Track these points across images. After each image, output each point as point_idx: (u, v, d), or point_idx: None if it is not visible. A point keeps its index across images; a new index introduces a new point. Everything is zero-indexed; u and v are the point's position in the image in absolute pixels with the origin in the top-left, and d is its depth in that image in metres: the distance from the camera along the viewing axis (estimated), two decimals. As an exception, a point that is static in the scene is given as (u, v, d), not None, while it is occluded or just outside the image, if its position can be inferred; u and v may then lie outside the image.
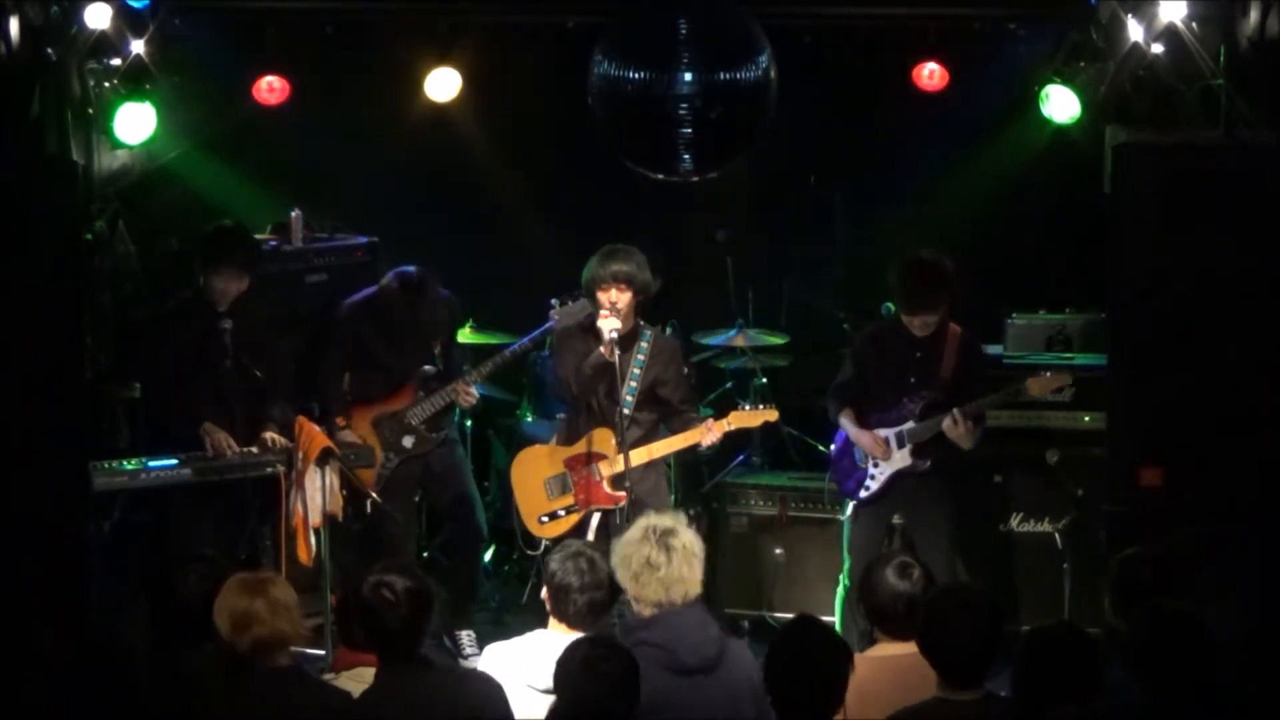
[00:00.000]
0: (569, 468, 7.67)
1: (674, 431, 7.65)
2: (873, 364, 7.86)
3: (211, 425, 7.68)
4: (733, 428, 7.62)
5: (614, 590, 5.65)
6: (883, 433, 7.75)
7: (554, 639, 5.59)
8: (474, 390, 8.10)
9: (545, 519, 7.68)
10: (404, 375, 8.09)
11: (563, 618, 5.64)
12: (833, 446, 8.03)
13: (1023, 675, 4.83)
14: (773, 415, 7.71)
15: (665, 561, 5.51)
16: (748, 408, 7.71)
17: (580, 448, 7.65)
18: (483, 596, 8.40)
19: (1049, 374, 7.71)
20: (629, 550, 5.59)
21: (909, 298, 7.62)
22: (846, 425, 7.84)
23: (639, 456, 7.45)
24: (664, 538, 5.55)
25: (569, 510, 7.67)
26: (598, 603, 5.63)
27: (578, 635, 5.53)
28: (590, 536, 7.58)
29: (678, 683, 5.36)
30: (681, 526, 5.63)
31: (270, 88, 8.88)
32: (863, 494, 7.81)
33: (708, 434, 7.53)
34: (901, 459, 7.71)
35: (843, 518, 8.03)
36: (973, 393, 7.66)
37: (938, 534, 7.75)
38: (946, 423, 7.55)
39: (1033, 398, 7.76)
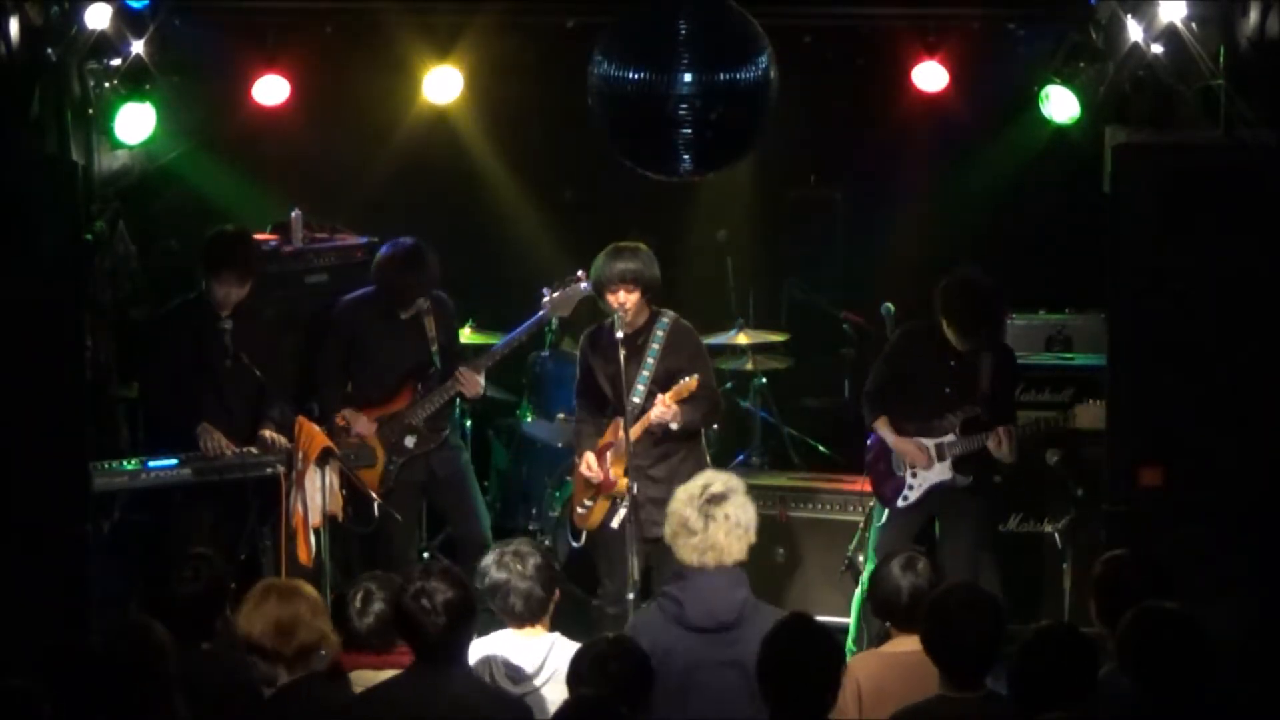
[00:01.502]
0: (598, 457, 7.71)
1: None
2: (908, 369, 7.83)
3: (208, 425, 7.67)
4: (670, 402, 7.50)
5: (550, 581, 5.62)
6: (924, 442, 7.73)
7: (512, 639, 5.61)
8: (479, 379, 8.04)
9: (581, 509, 7.74)
10: (402, 375, 8.07)
11: (507, 616, 5.63)
12: (868, 452, 7.95)
13: (1019, 675, 4.83)
14: (692, 384, 7.60)
15: (702, 528, 5.52)
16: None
17: (607, 437, 7.70)
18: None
19: (1093, 402, 7.67)
20: (674, 507, 5.63)
21: (964, 328, 7.58)
22: (884, 433, 7.79)
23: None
24: (709, 504, 5.55)
25: (594, 500, 7.72)
26: (535, 597, 5.59)
27: (533, 632, 5.55)
28: (614, 525, 7.58)
29: (685, 638, 5.39)
30: (735, 494, 5.60)
31: (270, 87, 8.89)
32: (900, 503, 7.78)
33: (659, 409, 7.47)
34: (941, 471, 7.70)
35: (874, 517, 7.98)
36: (1007, 405, 7.71)
37: (968, 530, 7.73)
38: (991, 442, 7.56)
39: (1077, 427, 7.76)
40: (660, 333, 7.62)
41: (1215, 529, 6.75)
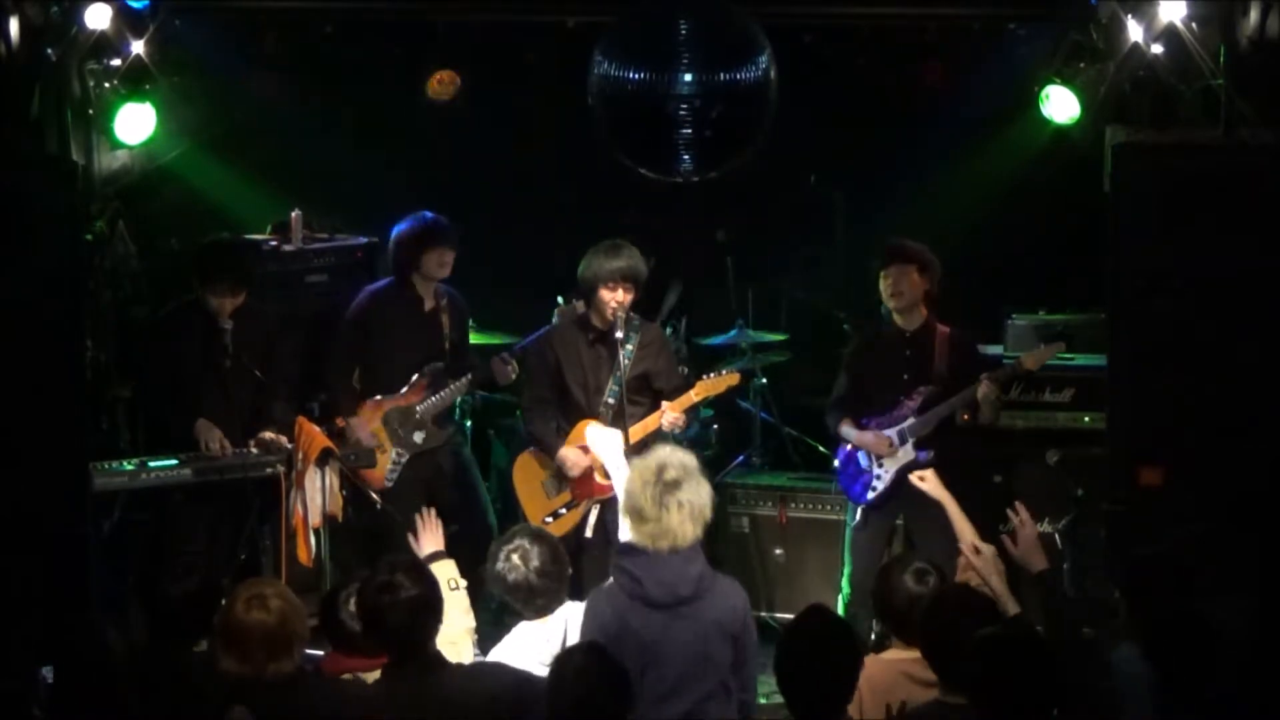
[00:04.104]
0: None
1: None
2: (866, 370, 7.92)
3: (207, 423, 7.68)
4: (699, 398, 7.58)
5: (562, 569, 5.76)
6: (884, 432, 7.77)
7: (532, 631, 5.74)
8: (513, 365, 8.02)
9: (550, 519, 7.71)
10: (417, 368, 8.06)
11: (530, 611, 5.73)
12: (836, 459, 8.03)
13: (978, 683, 4.70)
14: (734, 379, 7.70)
15: (656, 516, 5.45)
16: (711, 376, 7.69)
17: (569, 442, 7.65)
18: (483, 597, 8.39)
19: (1042, 346, 7.85)
20: (630, 488, 5.54)
21: (883, 254, 7.75)
22: (848, 433, 7.86)
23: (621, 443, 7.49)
24: (666, 491, 5.46)
25: (569, 507, 7.71)
26: (551, 590, 5.75)
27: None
28: (589, 533, 7.59)
29: (644, 613, 5.39)
30: (691, 479, 5.51)
31: (270, 87, 8.91)
32: (870, 495, 7.82)
33: (663, 416, 7.48)
34: (905, 454, 7.73)
35: (848, 520, 7.99)
36: (973, 374, 7.72)
37: (940, 534, 7.73)
38: (982, 389, 7.56)
39: (1030, 371, 7.88)
40: (634, 334, 7.61)
41: (1216, 529, 6.74)
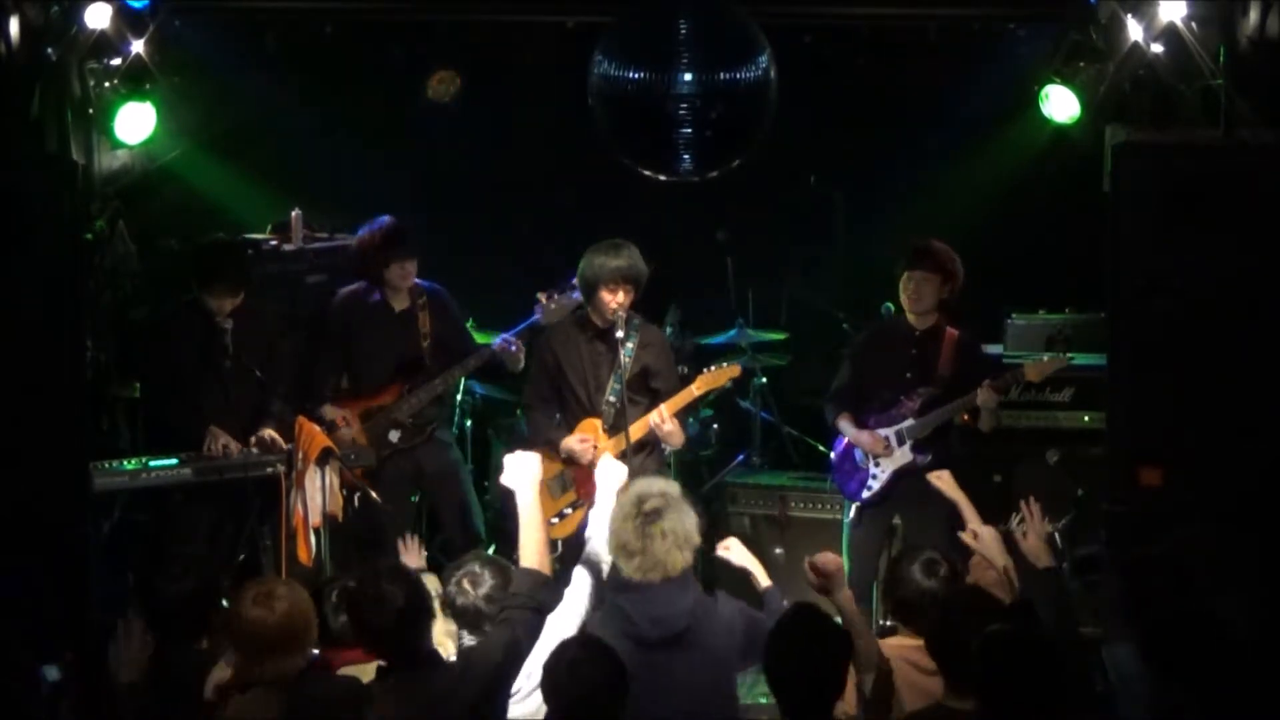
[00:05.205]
0: (565, 464, 7.68)
1: None
2: (870, 364, 7.91)
3: (218, 429, 7.68)
4: (700, 393, 7.59)
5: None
6: (882, 432, 7.76)
7: None
8: (513, 340, 7.97)
9: (555, 520, 7.70)
10: (391, 370, 8.05)
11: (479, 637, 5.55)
12: (833, 452, 8.05)
13: (981, 684, 4.72)
14: (736, 371, 7.70)
15: (641, 549, 5.43)
16: (712, 369, 7.67)
17: (590, 439, 7.65)
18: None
19: (1045, 358, 7.77)
20: (613, 525, 5.52)
21: (910, 254, 7.70)
22: (845, 428, 7.85)
23: (618, 444, 7.47)
24: (647, 522, 5.43)
25: (574, 506, 7.70)
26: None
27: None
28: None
29: (640, 652, 5.35)
30: (672, 507, 5.48)
31: (269, 88, 8.91)
32: (865, 495, 7.83)
33: (657, 413, 7.46)
34: (902, 456, 7.72)
35: (844, 519, 8.03)
36: (976, 379, 7.70)
37: (938, 537, 7.74)
38: (983, 395, 7.53)
39: (1032, 383, 7.85)
40: (634, 333, 7.62)
41: (1216, 529, 6.74)
